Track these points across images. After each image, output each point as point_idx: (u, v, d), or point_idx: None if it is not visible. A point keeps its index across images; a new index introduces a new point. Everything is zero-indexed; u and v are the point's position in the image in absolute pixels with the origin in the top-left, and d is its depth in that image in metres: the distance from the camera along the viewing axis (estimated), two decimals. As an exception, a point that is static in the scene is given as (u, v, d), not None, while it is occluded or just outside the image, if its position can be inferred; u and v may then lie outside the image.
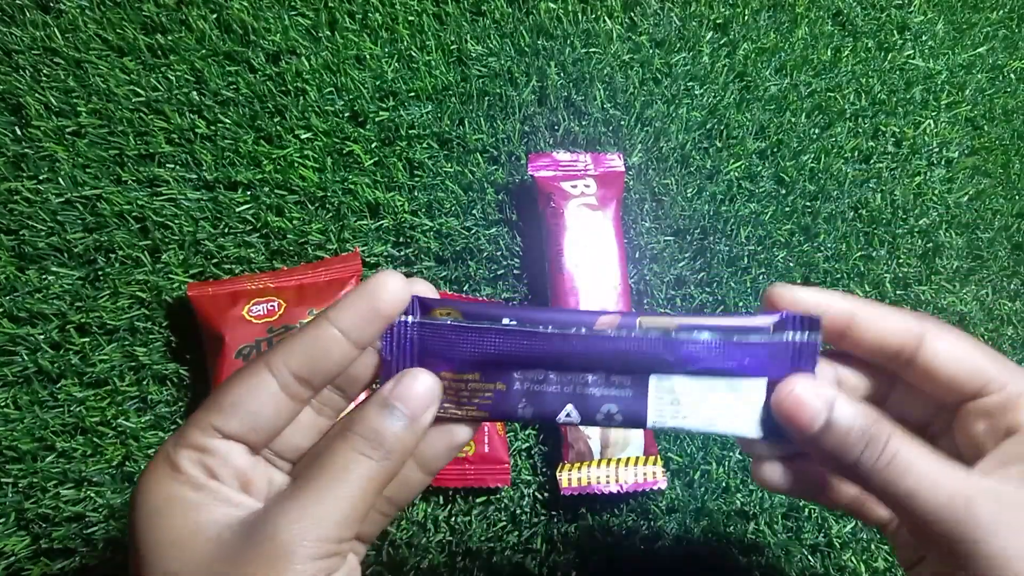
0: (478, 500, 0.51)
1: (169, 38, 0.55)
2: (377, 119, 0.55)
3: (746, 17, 0.61)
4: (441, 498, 0.51)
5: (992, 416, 0.28)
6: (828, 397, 0.26)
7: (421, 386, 0.26)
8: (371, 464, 0.25)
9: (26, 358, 0.49)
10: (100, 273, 0.51)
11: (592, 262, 0.51)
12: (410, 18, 0.58)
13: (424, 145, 0.55)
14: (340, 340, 0.26)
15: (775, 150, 0.59)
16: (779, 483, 0.30)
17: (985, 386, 0.28)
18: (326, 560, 0.24)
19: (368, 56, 0.56)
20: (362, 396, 0.28)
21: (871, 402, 0.28)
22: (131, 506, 0.25)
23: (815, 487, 0.31)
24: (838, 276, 0.57)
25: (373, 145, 0.55)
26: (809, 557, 0.51)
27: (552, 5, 0.59)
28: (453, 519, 0.50)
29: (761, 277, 0.56)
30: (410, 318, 0.27)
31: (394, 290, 0.26)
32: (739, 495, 0.52)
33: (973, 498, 0.25)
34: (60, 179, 0.52)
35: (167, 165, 0.53)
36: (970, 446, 0.28)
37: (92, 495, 0.48)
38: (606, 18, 0.59)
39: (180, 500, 0.25)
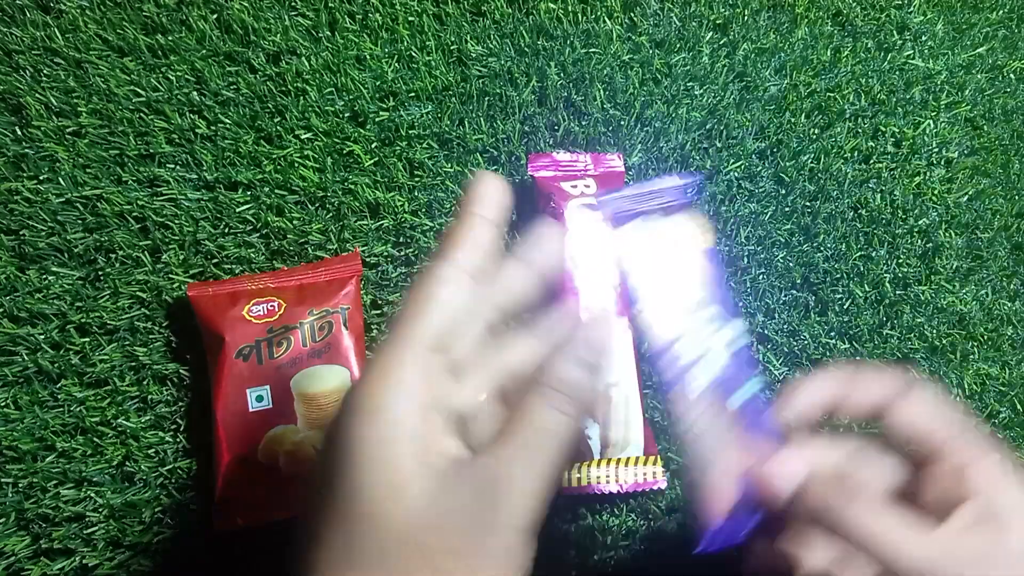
0: (478, 500, 0.51)
1: (169, 38, 0.55)
2: (377, 119, 0.55)
3: (746, 17, 0.61)
4: (441, 498, 0.51)
5: (943, 482, 0.32)
6: (795, 471, 0.33)
7: (605, 327, 0.28)
8: (569, 422, 0.26)
9: (26, 358, 0.49)
10: (100, 273, 0.51)
11: (592, 262, 0.51)
12: (410, 18, 0.58)
13: (424, 145, 0.55)
14: (496, 230, 0.28)
15: (775, 150, 0.59)
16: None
17: (937, 452, 0.32)
18: (535, 520, 0.26)
19: (368, 56, 0.56)
20: None
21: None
22: (346, 424, 0.24)
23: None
24: (838, 276, 0.57)
25: (373, 145, 0.55)
26: (809, 557, 0.51)
27: (552, 5, 0.59)
28: (453, 519, 0.50)
29: (761, 277, 0.56)
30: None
31: (503, 185, 0.29)
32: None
33: (935, 559, 0.30)
34: (60, 179, 0.52)
35: (167, 165, 0.53)
36: (934, 509, 0.32)
37: (92, 495, 0.48)
38: (606, 18, 0.59)
39: (406, 428, 0.24)
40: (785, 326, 0.55)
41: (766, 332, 0.55)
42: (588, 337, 0.28)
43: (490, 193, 0.28)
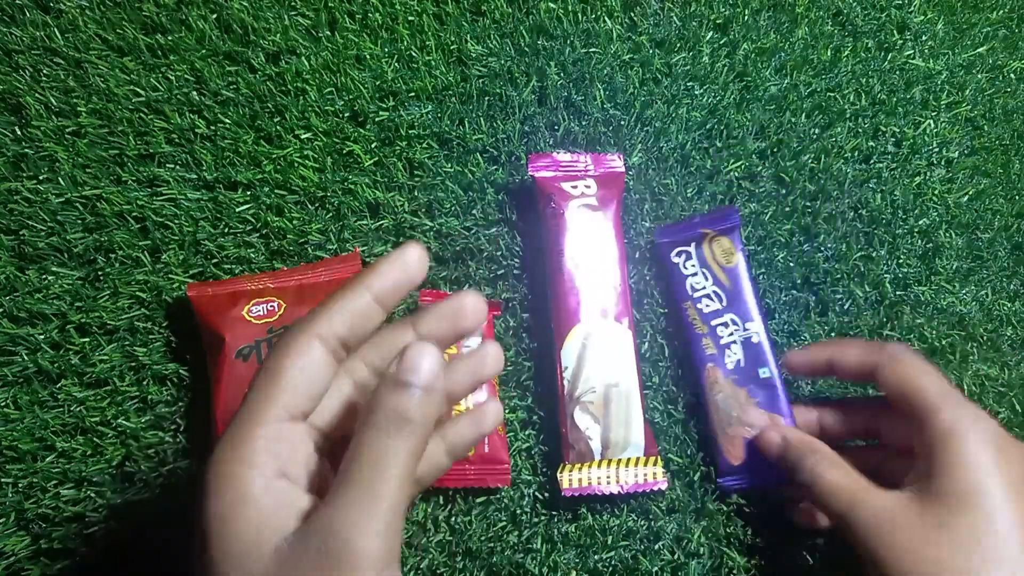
0: (478, 500, 0.51)
1: (169, 38, 0.55)
2: (377, 119, 0.55)
3: (746, 17, 0.61)
4: (441, 498, 0.51)
5: (928, 444, 0.34)
6: (787, 436, 0.45)
7: (426, 357, 0.27)
8: (400, 445, 0.26)
9: (26, 358, 0.49)
10: (100, 273, 0.51)
11: (592, 262, 0.51)
12: (410, 18, 0.57)
13: (424, 145, 0.55)
14: (376, 307, 0.28)
15: (775, 150, 0.59)
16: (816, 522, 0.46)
17: (924, 412, 0.35)
18: (389, 551, 0.25)
19: (368, 56, 0.56)
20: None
21: (865, 434, 0.46)
22: (200, 499, 0.25)
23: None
24: (838, 276, 0.57)
25: (373, 145, 0.55)
26: (808, 557, 0.51)
27: (552, 5, 0.59)
28: (453, 519, 0.50)
29: (761, 277, 0.56)
30: None
31: (421, 262, 0.29)
32: (739, 495, 0.52)
33: (889, 517, 0.34)
34: (60, 179, 0.52)
35: (167, 165, 0.53)
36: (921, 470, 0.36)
37: (92, 495, 0.48)
38: (606, 18, 0.59)
39: (250, 502, 0.25)
40: (785, 326, 0.55)
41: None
42: (402, 363, 0.27)
43: (394, 268, 0.28)
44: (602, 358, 0.49)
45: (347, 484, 0.25)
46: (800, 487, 0.41)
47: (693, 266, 0.53)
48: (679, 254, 0.53)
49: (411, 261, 0.28)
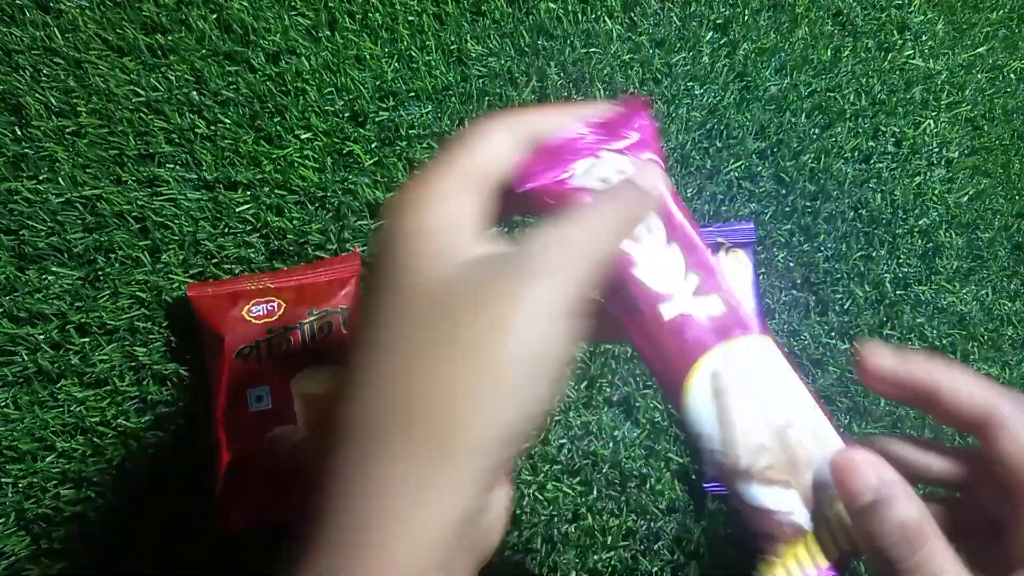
0: (478, 500, 0.51)
1: (169, 38, 0.55)
2: (377, 119, 0.55)
3: (746, 17, 0.61)
4: (441, 498, 0.51)
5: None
6: (886, 479, 0.26)
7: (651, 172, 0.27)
8: (625, 208, 0.25)
9: (26, 358, 0.49)
10: (100, 273, 0.51)
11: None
12: (410, 18, 0.57)
13: (424, 145, 0.55)
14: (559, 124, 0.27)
15: (775, 150, 0.59)
16: (889, 380, 0.29)
17: (995, 427, 0.27)
18: (578, 303, 0.23)
19: (368, 56, 0.56)
20: None
21: (953, 485, 0.30)
22: (385, 232, 0.24)
23: (924, 397, 0.29)
24: (838, 276, 0.57)
25: (373, 145, 0.55)
26: (809, 557, 0.51)
27: (552, 5, 0.59)
28: (453, 519, 0.50)
29: (761, 277, 0.56)
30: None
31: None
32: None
33: None
34: (60, 179, 0.52)
35: (167, 165, 0.53)
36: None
37: (92, 495, 0.48)
38: (606, 18, 0.59)
39: (437, 225, 0.24)
40: (785, 326, 0.55)
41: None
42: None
43: (608, 109, 0.28)
44: (753, 395, 0.29)
45: (562, 217, 0.24)
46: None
47: None
48: None
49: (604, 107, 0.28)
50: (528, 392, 0.22)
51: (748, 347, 0.28)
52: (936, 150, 0.61)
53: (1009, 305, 0.59)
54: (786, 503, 0.28)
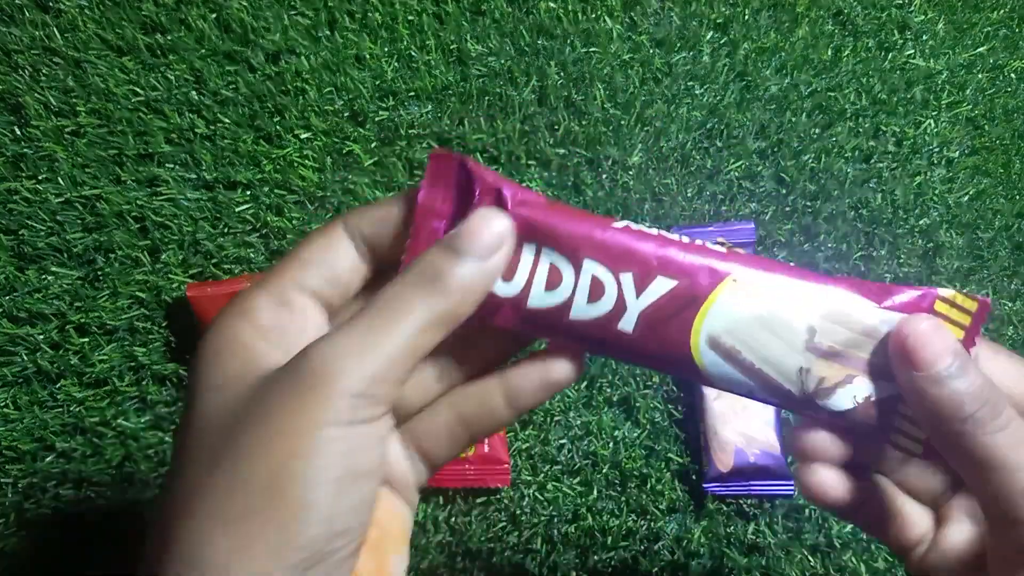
0: (478, 500, 0.51)
1: (168, 38, 0.54)
2: (377, 119, 0.55)
3: (746, 17, 0.61)
4: (441, 498, 0.51)
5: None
6: (958, 347, 0.24)
7: (493, 224, 0.24)
8: (427, 303, 0.23)
9: (26, 358, 0.49)
10: (100, 273, 0.51)
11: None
12: (410, 18, 0.57)
13: (424, 145, 0.55)
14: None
15: (775, 150, 0.59)
16: (832, 494, 0.27)
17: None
18: (366, 402, 0.21)
19: (368, 56, 0.56)
20: None
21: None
22: (196, 350, 0.24)
23: (876, 514, 0.28)
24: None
25: (373, 145, 0.55)
26: (809, 557, 0.51)
27: (552, 4, 0.59)
28: (453, 519, 0.50)
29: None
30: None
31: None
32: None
33: None
34: (59, 179, 0.52)
35: (166, 165, 0.53)
36: None
37: (92, 495, 0.48)
38: (606, 18, 0.59)
39: (241, 343, 0.23)
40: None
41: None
42: (463, 224, 0.24)
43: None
44: (760, 338, 0.27)
45: (349, 321, 0.22)
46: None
47: None
48: None
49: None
50: (333, 513, 0.21)
51: (724, 301, 0.26)
52: (937, 150, 0.61)
53: (1009, 305, 0.59)
54: (861, 390, 0.27)
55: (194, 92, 0.54)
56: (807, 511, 0.52)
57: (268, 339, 0.23)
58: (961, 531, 0.28)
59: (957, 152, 0.61)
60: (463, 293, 0.23)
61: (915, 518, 0.29)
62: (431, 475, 0.28)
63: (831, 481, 0.27)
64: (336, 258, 0.25)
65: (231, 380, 0.23)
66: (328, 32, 0.56)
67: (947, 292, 0.27)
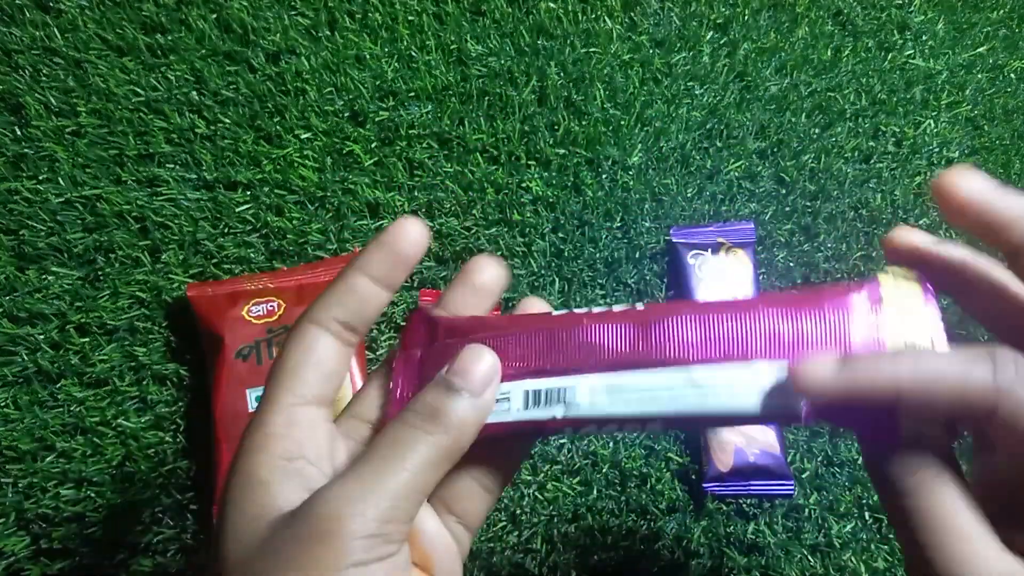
0: (478, 500, 0.51)
1: (169, 38, 0.55)
2: (377, 119, 0.55)
3: (746, 17, 0.61)
4: (441, 498, 0.51)
5: None
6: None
7: (482, 361, 0.26)
8: (429, 440, 0.24)
9: (26, 358, 0.49)
10: (100, 273, 0.51)
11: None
12: (410, 18, 0.57)
13: (424, 145, 0.55)
14: (374, 288, 0.26)
15: (775, 150, 0.59)
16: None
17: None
18: (380, 541, 0.23)
19: (368, 56, 0.56)
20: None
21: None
22: (224, 488, 0.26)
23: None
24: (838, 276, 0.57)
25: (373, 145, 0.55)
26: (809, 557, 0.51)
27: (552, 5, 0.59)
28: (453, 519, 0.50)
29: (762, 277, 0.56)
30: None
31: (415, 236, 0.27)
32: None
33: None
34: (60, 179, 0.52)
35: (167, 165, 0.53)
36: None
37: (92, 495, 0.48)
38: (606, 18, 0.59)
39: (259, 481, 0.24)
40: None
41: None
42: (455, 362, 0.26)
43: (383, 249, 0.26)
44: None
45: (355, 465, 0.24)
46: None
47: (708, 271, 0.54)
48: (695, 256, 0.54)
49: (401, 239, 0.26)
50: None
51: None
52: (936, 150, 0.61)
53: (1009, 305, 0.59)
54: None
55: (194, 92, 0.54)
56: (807, 511, 0.52)
57: (286, 472, 0.25)
58: None
59: (957, 152, 0.61)
60: (462, 427, 0.25)
61: None
62: (474, 537, 0.28)
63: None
64: (319, 358, 0.26)
65: (251, 522, 0.24)
66: (328, 32, 0.56)
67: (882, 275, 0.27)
